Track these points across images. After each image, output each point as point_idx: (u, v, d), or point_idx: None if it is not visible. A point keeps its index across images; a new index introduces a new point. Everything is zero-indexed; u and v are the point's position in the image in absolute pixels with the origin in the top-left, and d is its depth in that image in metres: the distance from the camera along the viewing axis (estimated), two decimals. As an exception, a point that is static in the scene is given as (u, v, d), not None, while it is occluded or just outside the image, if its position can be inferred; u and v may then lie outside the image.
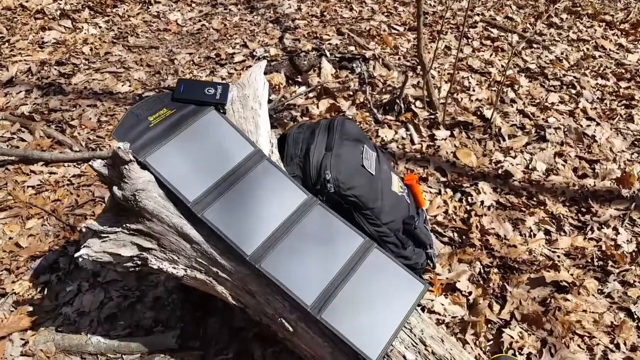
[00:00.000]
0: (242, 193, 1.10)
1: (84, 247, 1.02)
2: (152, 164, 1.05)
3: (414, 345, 1.01)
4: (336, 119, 1.38)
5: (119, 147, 0.98)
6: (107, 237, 1.03)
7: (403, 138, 2.12)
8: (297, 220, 1.11)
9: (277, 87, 2.50)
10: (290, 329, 1.05)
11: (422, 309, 1.47)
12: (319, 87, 2.45)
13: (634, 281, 1.49)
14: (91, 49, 2.88)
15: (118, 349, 1.30)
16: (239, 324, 1.43)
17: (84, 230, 1.03)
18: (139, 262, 1.05)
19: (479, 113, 2.23)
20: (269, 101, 2.37)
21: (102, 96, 2.47)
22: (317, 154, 1.29)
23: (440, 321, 1.44)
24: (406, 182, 1.47)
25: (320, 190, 1.23)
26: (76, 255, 1.01)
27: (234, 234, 1.05)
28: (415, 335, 1.03)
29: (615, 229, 1.65)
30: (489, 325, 1.42)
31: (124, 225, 1.03)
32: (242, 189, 1.11)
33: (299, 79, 2.56)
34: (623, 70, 2.59)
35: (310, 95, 2.44)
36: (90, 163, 1.02)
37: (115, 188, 1.00)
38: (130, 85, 2.56)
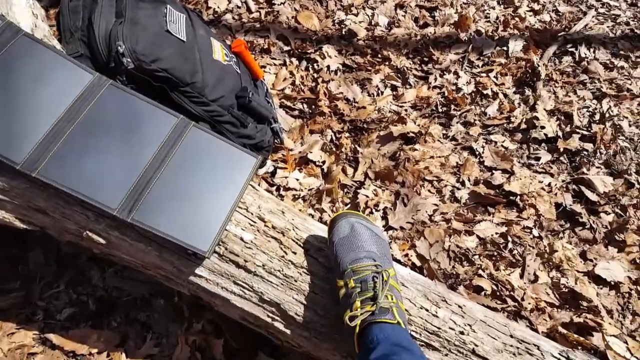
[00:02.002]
0: (-10, 84, 0.81)
1: None
2: None
3: (251, 225, 0.90)
4: (123, -24, 1.07)
5: None
6: None
7: (238, 7, 1.84)
8: (83, 108, 0.86)
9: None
10: (102, 240, 0.86)
11: (277, 189, 1.37)
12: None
13: (474, 120, 1.53)
14: None
15: None
16: (69, 249, 1.20)
17: None
18: None
19: (317, -30, 2.00)
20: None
21: None
22: (105, 22, 1.00)
23: (296, 196, 1.36)
24: (234, 49, 1.25)
25: (116, 68, 0.97)
26: None
27: (-12, 139, 0.77)
28: (252, 214, 0.91)
29: (455, 73, 1.65)
30: (345, 190, 1.37)
31: None
32: (-12, 79, 0.81)
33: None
34: None
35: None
36: None
37: None
38: None
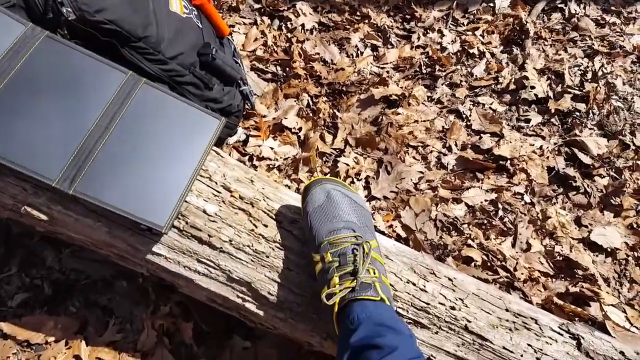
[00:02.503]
0: None
1: None
2: None
3: (215, 195, 0.79)
4: None
5: None
6: None
7: (204, -36, 1.68)
8: (14, 64, 0.74)
9: None
10: (43, 217, 0.75)
11: (250, 158, 1.26)
12: None
13: (461, 81, 1.43)
14: None
15: None
16: (18, 229, 1.09)
17: None
18: None
19: None
20: None
21: None
22: (39, -33, 0.86)
23: (271, 166, 1.25)
24: (194, 1, 1.12)
25: (54, 19, 0.84)
26: None
27: None
28: (216, 183, 0.80)
29: (440, 31, 1.54)
30: (324, 158, 1.27)
31: None
32: None
33: None
34: None
35: None
36: None
37: None
38: None
